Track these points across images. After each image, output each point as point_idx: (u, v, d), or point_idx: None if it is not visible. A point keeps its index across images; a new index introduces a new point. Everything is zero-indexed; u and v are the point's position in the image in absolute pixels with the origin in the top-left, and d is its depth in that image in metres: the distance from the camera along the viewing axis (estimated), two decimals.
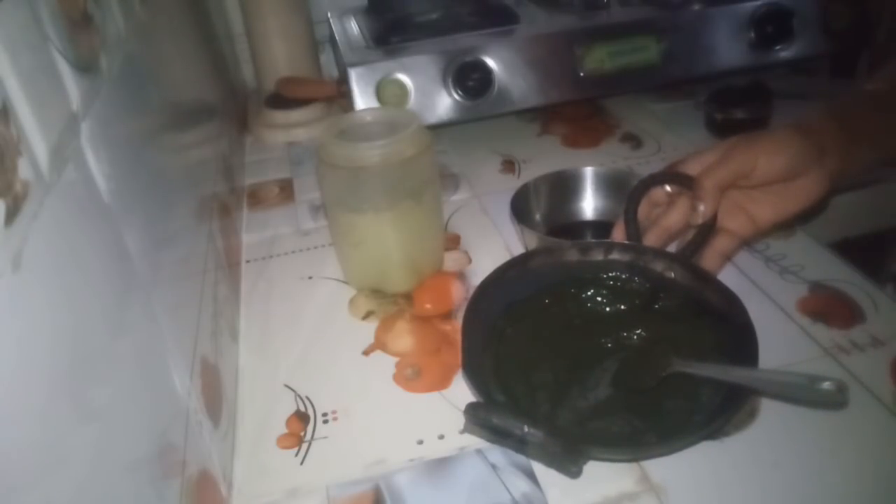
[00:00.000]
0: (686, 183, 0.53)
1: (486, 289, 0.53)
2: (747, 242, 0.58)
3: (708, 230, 0.52)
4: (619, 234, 0.56)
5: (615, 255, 0.54)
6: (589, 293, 0.55)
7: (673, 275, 0.52)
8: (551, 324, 0.54)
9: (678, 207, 0.54)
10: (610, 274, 0.54)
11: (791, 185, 0.51)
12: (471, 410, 0.42)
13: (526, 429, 0.40)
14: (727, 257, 0.56)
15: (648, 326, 0.52)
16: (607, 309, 0.54)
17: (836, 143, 0.51)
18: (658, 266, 0.53)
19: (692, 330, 0.50)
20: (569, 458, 0.42)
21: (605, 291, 0.55)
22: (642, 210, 0.56)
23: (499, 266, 0.54)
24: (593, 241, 0.56)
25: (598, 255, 0.54)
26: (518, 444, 0.43)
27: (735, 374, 0.44)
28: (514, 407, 0.46)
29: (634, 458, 0.44)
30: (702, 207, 0.51)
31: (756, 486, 0.42)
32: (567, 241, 0.57)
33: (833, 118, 0.53)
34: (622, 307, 0.54)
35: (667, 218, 0.54)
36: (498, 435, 0.44)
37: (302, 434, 0.49)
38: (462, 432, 0.48)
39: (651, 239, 0.55)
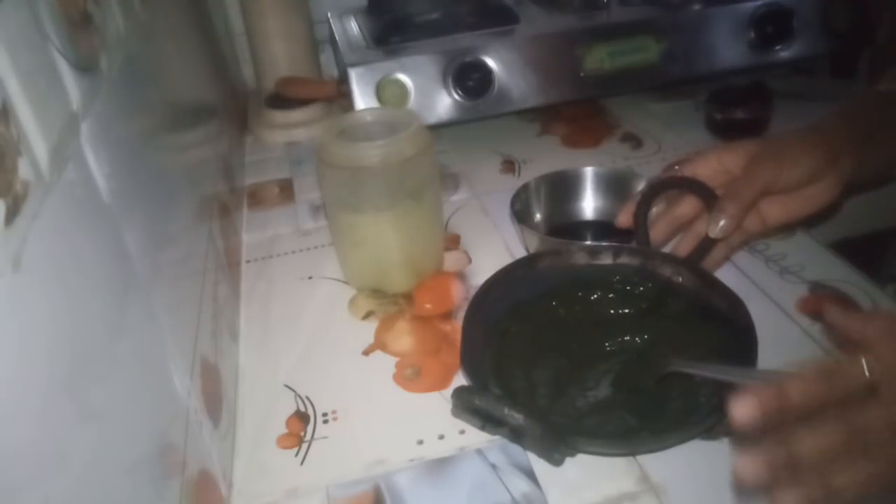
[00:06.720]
0: (700, 191, 0.53)
1: (491, 287, 0.53)
2: (754, 238, 0.59)
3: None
4: (624, 219, 0.56)
5: (624, 259, 0.54)
6: (596, 296, 0.55)
7: (680, 279, 0.52)
8: (556, 325, 0.54)
9: (690, 199, 0.54)
10: (618, 277, 0.54)
11: (805, 189, 0.51)
12: (457, 394, 0.43)
13: (506, 410, 0.41)
14: (733, 250, 0.57)
15: (653, 329, 0.52)
16: (614, 312, 0.54)
17: (849, 146, 0.51)
18: (666, 270, 0.53)
19: (695, 333, 0.50)
20: (551, 444, 0.42)
21: (612, 295, 0.55)
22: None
23: (505, 266, 0.54)
24: (602, 244, 0.55)
25: (607, 259, 0.54)
26: (505, 430, 0.44)
27: (731, 373, 0.44)
28: (511, 400, 0.46)
29: (625, 453, 0.44)
30: (723, 223, 0.50)
31: None
32: (569, 242, 0.57)
33: (846, 120, 0.52)
34: (629, 310, 0.54)
35: (678, 207, 0.54)
36: (483, 419, 0.45)
37: (302, 434, 0.49)
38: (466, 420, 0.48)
39: (660, 227, 0.55)
